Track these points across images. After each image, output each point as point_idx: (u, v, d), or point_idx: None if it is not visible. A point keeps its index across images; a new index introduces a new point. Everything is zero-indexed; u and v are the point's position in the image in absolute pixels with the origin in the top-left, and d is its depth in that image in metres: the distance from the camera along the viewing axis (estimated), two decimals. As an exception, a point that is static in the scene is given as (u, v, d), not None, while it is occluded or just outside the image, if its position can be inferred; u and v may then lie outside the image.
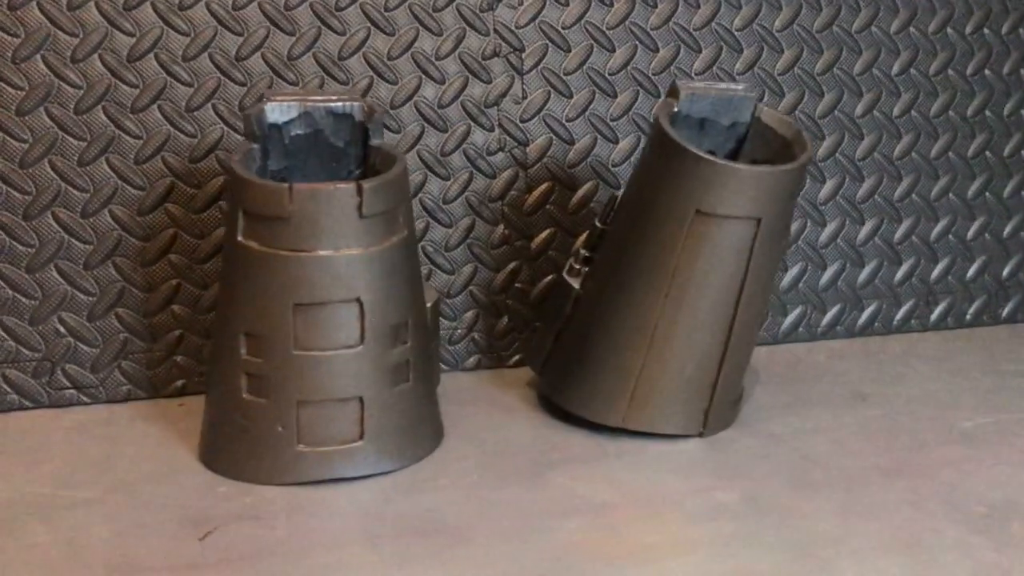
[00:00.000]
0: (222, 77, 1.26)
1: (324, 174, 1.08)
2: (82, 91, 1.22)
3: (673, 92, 1.15)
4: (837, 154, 1.52)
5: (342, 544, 0.94)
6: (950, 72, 1.55)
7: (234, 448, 1.05)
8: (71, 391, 1.25)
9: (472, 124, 1.36)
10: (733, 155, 1.18)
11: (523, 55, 1.37)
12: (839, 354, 1.47)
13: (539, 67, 1.38)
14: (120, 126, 1.24)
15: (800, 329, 1.52)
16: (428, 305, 1.14)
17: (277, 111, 1.06)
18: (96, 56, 1.23)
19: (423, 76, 1.34)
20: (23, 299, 1.23)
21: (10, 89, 1.20)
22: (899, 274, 1.57)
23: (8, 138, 1.21)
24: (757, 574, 0.90)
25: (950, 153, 1.57)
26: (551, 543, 0.95)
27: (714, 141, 1.17)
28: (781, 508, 1.02)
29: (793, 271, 1.51)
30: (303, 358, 1.01)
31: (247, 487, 1.04)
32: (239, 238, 0.99)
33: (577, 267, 1.17)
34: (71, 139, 1.23)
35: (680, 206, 1.05)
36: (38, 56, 1.21)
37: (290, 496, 1.03)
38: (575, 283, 1.17)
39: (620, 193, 1.16)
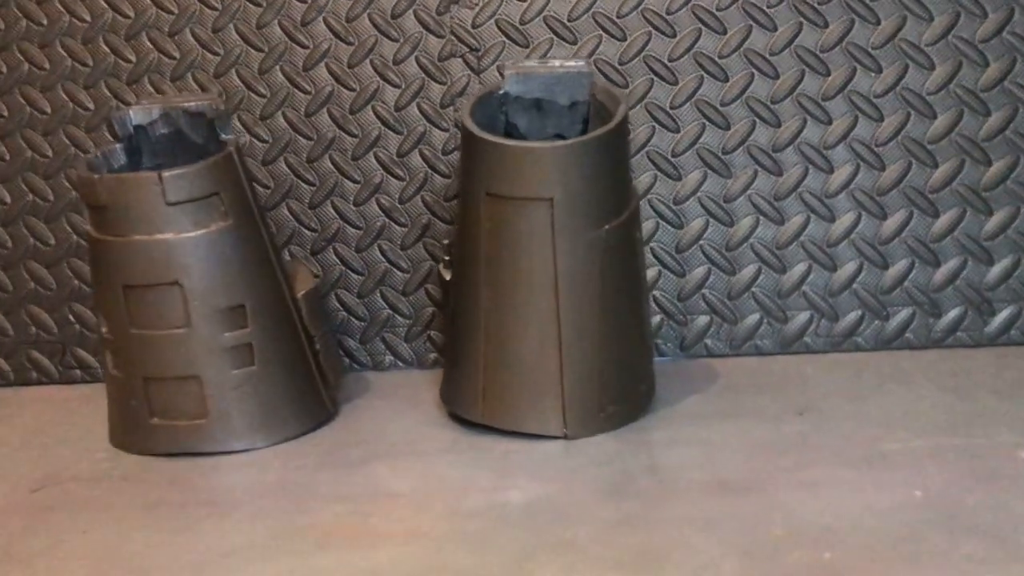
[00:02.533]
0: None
1: (192, 170, 1.18)
2: (47, 116, 1.42)
3: (501, 73, 1.10)
4: (849, 139, 1.33)
5: (124, 507, 1.03)
6: (1006, 36, 1.30)
7: (115, 419, 1.18)
8: (77, 371, 1.45)
9: (429, 125, 1.39)
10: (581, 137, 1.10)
11: (479, 54, 1.37)
12: (837, 366, 1.28)
13: (496, 64, 1.37)
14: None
15: (805, 338, 1.34)
16: (301, 294, 1.18)
17: (140, 113, 1.17)
18: (59, 87, 1.41)
19: (382, 81, 1.39)
20: (43, 291, 1.45)
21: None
22: (937, 277, 1.33)
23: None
24: (443, 571, 0.84)
25: (1007, 132, 1.31)
26: (292, 524, 0.96)
27: (558, 123, 1.09)
28: (558, 515, 0.94)
29: (795, 271, 1.34)
30: (139, 336, 1.11)
31: (118, 454, 1.16)
32: (86, 227, 1.12)
33: (447, 259, 1.16)
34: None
35: (474, 189, 1.00)
36: (15, 89, 1.42)
37: (141, 464, 1.13)
38: (447, 275, 1.16)
39: (460, 182, 1.13)
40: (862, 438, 1.05)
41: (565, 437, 1.11)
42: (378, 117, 1.39)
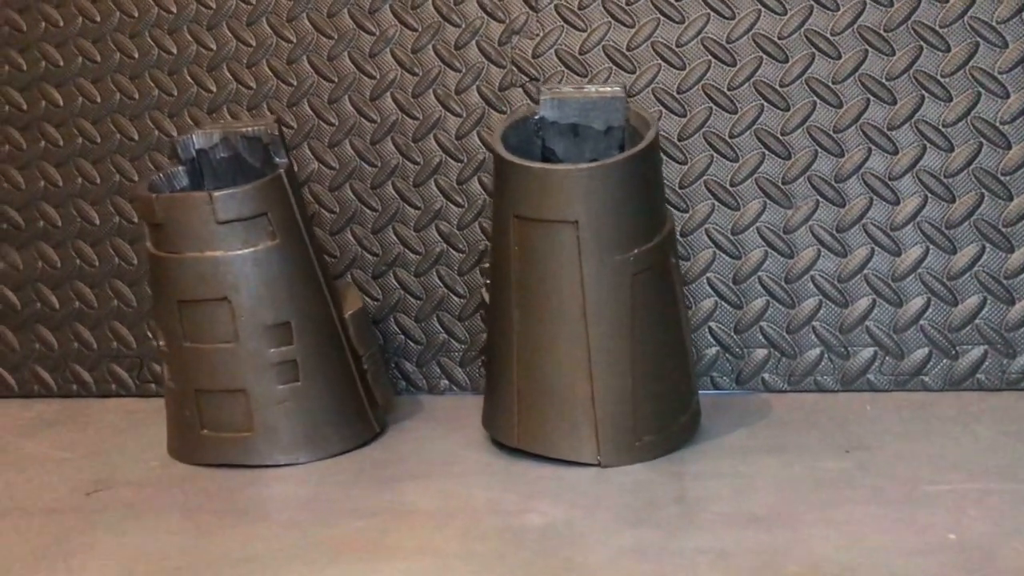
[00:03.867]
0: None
1: (249, 192, 1.22)
2: (135, 143, 1.49)
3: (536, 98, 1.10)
4: (916, 169, 1.28)
5: (164, 512, 1.07)
6: (1086, 62, 1.23)
7: (170, 429, 1.23)
8: (152, 384, 1.52)
9: (489, 154, 1.40)
10: (616, 163, 1.09)
11: (540, 83, 1.38)
12: (900, 405, 1.22)
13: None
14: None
15: (869, 375, 1.29)
16: (348, 314, 1.21)
17: (202, 138, 1.23)
18: (146, 115, 1.49)
19: (444, 110, 1.41)
20: (125, 307, 1.53)
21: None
22: (1012, 315, 1.26)
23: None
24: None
25: (1089, 163, 1.24)
26: (313, 536, 0.98)
27: (595, 148, 1.09)
28: (573, 539, 0.93)
29: (858, 305, 1.29)
30: (191, 350, 1.15)
31: (171, 463, 1.21)
32: (147, 244, 1.17)
33: (487, 282, 1.16)
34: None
35: (504, 212, 1.01)
36: (108, 118, 1.50)
37: (189, 473, 1.17)
38: (488, 297, 1.16)
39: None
40: (906, 478, 1.00)
41: (599, 465, 1.09)
42: (440, 145, 1.41)
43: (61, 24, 1.51)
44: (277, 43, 1.46)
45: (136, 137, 1.49)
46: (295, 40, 1.45)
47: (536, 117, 1.12)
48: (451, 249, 1.42)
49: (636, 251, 1.02)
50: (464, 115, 1.41)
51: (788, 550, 0.87)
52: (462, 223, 1.41)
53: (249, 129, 1.21)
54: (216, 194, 1.11)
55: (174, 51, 1.48)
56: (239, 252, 1.12)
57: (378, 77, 1.43)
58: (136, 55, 1.49)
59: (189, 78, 1.48)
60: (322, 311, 1.18)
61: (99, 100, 1.51)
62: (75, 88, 1.51)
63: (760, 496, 0.99)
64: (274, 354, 1.15)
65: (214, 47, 1.47)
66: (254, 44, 1.46)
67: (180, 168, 1.22)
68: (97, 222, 1.51)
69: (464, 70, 1.41)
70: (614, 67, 1.36)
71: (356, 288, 1.34)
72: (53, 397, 1.50)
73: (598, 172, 0.98)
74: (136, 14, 1.49)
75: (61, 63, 1.51)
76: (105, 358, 1.51)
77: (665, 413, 1.10)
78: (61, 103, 1.52)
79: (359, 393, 1.22)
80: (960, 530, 0.89)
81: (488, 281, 1.18)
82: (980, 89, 1.27)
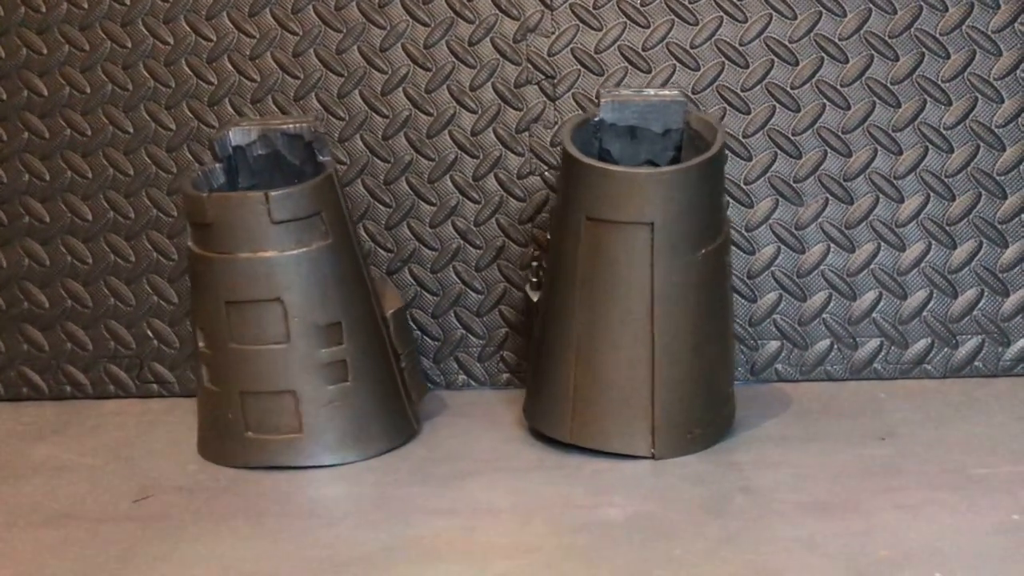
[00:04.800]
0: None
1: (286, 190, 1.21)
2: (129, 136, 1.44)
3: (596, 101, 1.13)
4: (919, 169, 1.36)
5: (230, 517, 1.05)
6: (1073, 71, 1.33)
7: (206, 432, 1.21)
8: (154, 385, 1.48)
9: (504, 150, 1.42)
10: (672, 164, 1.13)
11: (555, 81, 1.40)
12: (909, 393, 1.30)
13: (571, 91, 1.40)
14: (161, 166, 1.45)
15: (875, 364, 1.37)
16: (390, 312, 1.21)
17: (240, 135, 1.21)
18: (142, 107, 1.43)
19: (458, 106, 1.42)
20: (122, 306, 1.47)
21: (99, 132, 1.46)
22: (1006, 306, 1.35)
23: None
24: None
25: (1077, 165, 1.34)
26: (401, 536, 0.98)
27: (651, 150, 1.13)
28: (661, 532, 0.96)
29: (865, 298, 1.36)
30: (238, 351, 1.13)
31: (213, 467, 1.18)
32: (189, 243, 1.15)
33: (534, 280, 1.18)
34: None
35: (574, 213, 1.03)
36: (99, 109, 1.46)
37: (235, 477, 1.15)
38: (533, 296, 1.18)
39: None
40: (949, 463, 1.07)
41: (652, 457, 1.13)
42: (454, 141, 1.42)
43: (44, 10, 1.45)
44: (282, 35, 1.43)
45: (131, 130, 1.44)
46: (301, 32, 1.43)
47: (596, 119, 1.14)
48: (468, 245, 1.42)
49: (703, 251, 1.06)
50: (479, 112, 1.41)
51: (871, 535, 0.92)
52: (479, 219, 1.42)
53: (290, 126, 1.19)
54: (272, 194, 1.09)
55: (171, 41, 1.44)
56: (293, 252, 1.11)
57: (389, 72, 1.42)
58: (129, 44, 1.44)
59: (187, 69, 1.44)
60: (369, 310, 1.18)
61: (89, 91, 1.44)
62: (62, 77, 1.44)
63: (820, 484, 1.04)
64: (325, 354, 1.14)
65: (214, 38, 1.44)
66: (257, 36, 1.43)
67: (217, 165, 1.19)
68: (89, 218, 1.45)
69: (478, 66, 1.41)
70: (629, 67, 1.39)
71: (394, 285, 1.33)
72: (45, 400, 1.44)
73: (677, 175, 1.02)
74: (129, 1, 1.44)
75: (45, 51, 1.44)
76: (102, 359, 1.46)
77: (713, 406, 1.15)
78: (46, 93, 1.45)
79: (400, 391, 1.22)
80: (1020, 511, 0.96)
81: (534, 279, 1.20)
82: (977, 94, 1.35)
